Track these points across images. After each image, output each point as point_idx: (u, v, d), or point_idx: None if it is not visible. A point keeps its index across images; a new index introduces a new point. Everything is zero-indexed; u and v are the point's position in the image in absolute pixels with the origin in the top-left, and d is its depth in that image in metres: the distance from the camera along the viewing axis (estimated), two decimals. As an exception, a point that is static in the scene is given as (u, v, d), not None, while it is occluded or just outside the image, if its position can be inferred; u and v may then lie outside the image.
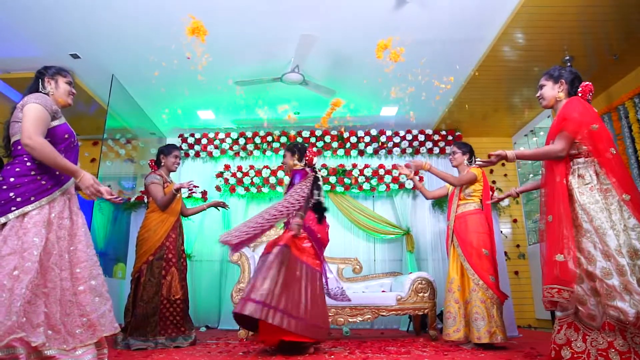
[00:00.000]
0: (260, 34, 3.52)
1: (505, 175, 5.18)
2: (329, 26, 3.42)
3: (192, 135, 5.22)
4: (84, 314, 2.00)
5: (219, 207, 3.45)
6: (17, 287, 1.78)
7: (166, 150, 3.22)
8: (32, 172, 1.95)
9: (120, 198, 2.22)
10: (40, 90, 2.08)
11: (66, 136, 2.11)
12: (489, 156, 2.11)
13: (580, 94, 2.12)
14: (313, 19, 3.33)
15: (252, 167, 4.96)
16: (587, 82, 2.15)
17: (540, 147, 2.05)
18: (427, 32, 3.53)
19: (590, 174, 1.96)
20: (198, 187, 4.82)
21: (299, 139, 5.16)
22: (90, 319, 2.00)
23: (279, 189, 4.91)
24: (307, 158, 2.98)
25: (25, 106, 1.95)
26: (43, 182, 1.96)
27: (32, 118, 1.92)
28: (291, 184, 2.84)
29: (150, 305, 2.87)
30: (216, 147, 5.17)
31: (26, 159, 1.96)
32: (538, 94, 2.24)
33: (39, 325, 1.80)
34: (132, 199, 4.61)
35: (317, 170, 2.98)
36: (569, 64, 3.78)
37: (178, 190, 3.07)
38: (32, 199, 1.93)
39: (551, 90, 2.17)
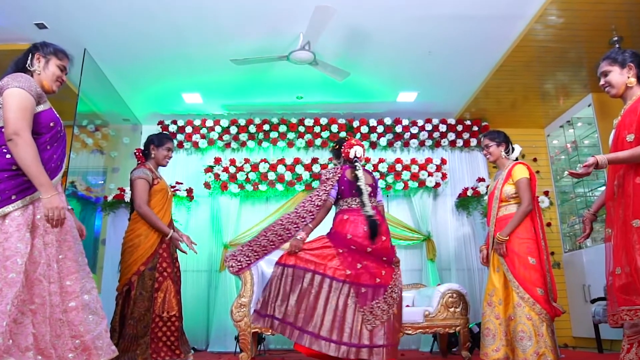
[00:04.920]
0: (266, 5, 3.49)
1: (538, 172, 5.26)
2: (347, -3, 3.41)
3: (175, 122, 5.16)
4: (77, 335, 1.96)
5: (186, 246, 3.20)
6: (0, 304, 1.74)
7: (157, 140, 3.17)
8: (13, 167, 1.91)
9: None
10: (27, 66, 2.04)
11: (52, 124, 2.06)
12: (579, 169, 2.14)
13: None
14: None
15: (247, 160, 4.93)
16: None
17: (637, 148, 2.04)
18: (457, 6, 3.56)
19: None
20: (184, 185, 4.83)
21: (301, 128, 5.15)
22: (83, 341, 1.97)
23: (279, 186, 4.89)
24: (343, 154, 3.05)
25: (5, 90, 1.91)
26: (25, 178, 1.92)
27: (16, 107, 1.87)
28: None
29: (142, 324, 2.84)
30: (203, 137, 5.12)
31: (5, 150, 1.92)
32: (603, 82, 2.28)
33: (28, 349, 1.77)
34: (110, 198, 4.53)
35: (354, 163, 2.98)
36: (617, 45, 3.87)
37: (170, 238, 3.05)
38: (14, 197, 1.89)
39: (620, 76, 2.21)
